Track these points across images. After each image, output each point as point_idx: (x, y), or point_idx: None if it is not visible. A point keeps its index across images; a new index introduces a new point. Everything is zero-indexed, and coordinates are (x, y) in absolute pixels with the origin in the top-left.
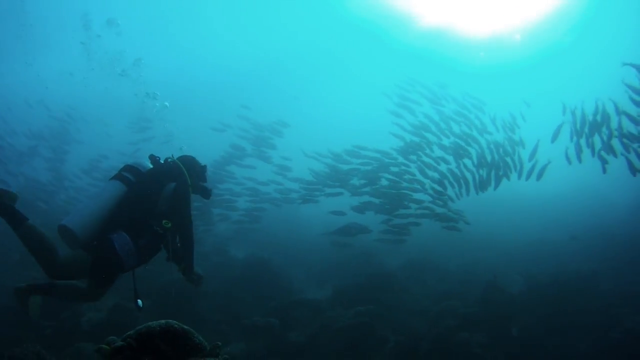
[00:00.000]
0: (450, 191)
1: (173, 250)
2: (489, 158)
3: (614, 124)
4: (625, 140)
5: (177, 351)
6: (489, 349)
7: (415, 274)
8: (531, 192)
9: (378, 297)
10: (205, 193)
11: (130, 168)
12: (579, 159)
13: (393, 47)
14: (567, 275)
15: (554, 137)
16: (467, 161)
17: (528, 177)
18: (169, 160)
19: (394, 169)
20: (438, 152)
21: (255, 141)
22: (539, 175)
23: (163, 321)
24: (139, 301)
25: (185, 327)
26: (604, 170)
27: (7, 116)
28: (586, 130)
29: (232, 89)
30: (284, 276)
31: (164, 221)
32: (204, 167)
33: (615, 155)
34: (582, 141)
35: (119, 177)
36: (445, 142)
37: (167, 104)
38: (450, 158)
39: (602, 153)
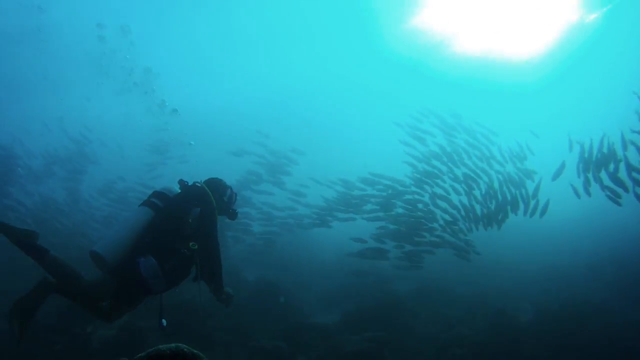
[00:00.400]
0: (461, 223)
1: (202, 271)
2: (497, 190)
3: (620, 154)
4: (634, 174)
5: None
6: None
7: (425, 299)
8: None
9: (387, 323)
10: (231, 215)
11: (158, 194)
12: (588, 193)
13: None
14: (578, 304)
15: (556, 175)
16: (477, 192)
17: (532, 214)
18: (197, 184)
19: (409, 197)
20: (449, 182)
21: (271, 168)
22: (542, 212)
23: (173, 345)
24: (164, 321)
25: (195, 351)
26: (618, 204)
27: (24, 138)
28: (592, 164)
29: (251, 115)
30: (293, 299)
31: (190, 243)
32: (231, 190)
33: (626, 190)
34: (590, 175)
35: (147, 203)
36: (457, 172)
37: (177, 109)
38: (460, 188)
39: (611, 187)
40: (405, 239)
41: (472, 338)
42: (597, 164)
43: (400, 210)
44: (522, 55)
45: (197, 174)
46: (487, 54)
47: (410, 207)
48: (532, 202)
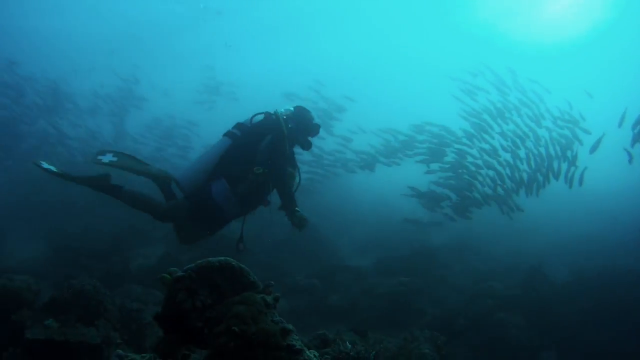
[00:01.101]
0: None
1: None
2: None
3: None
4: None
5: (232, 286)
6: (525, 332)
7: (459, 253)
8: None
9: (420, 271)
10: (305, 145)
11: (239, 124)
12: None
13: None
14: (617, 270)
15: (594, 148)
16: (521, 152)
17: (570, 183)
18: (273, 113)
19: (456, 148)
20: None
21: (322, 114)
22: (580, 181)
23: (222, 257)
24: (241, 245)
25: (242, 265)
26: None
27: (74, 74)
28: None
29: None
30: (329, 242)
31: (255, 168)
32: (312, 121)
33: None
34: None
35: (227, 133)
36: (506, 128)
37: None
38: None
39: None
40: (456, 191)
41: (504, 291)
42: None
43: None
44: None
45: (245, 113)
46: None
47: (459, 158)
48: (571, 170)
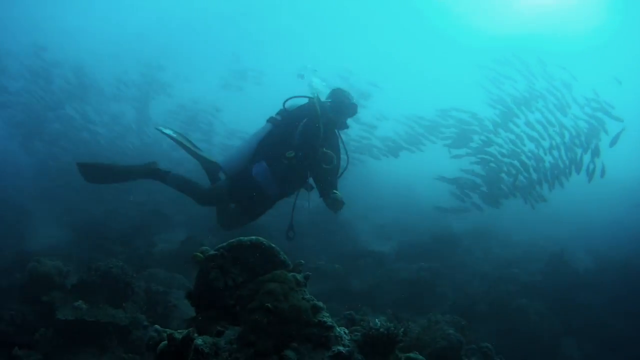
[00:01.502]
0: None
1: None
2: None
3: None
4: None
5: (263, 264)
6: (547, 318)
7: (480, 240)
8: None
9: (441, 256)
10: (340, 126)
11: (281, 110)
12: None
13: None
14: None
15: (614, 141)
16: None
17: (590, 177)
18: (310, 98)
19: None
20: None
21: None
22: (602, 173)
23: (253, 237)
24: (291, 232)
25: (273, 244)
26: None
27: (97, 60)
28: None
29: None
30: (351, 228)
31: (287, 152)
32: (349, 102)
33: None
34: None
35: (270, 119)
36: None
37: None
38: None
39: None
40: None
41: (526, 278)
42: None
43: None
44: None
45: (270, 97)
46: None
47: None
48: (591, 165)
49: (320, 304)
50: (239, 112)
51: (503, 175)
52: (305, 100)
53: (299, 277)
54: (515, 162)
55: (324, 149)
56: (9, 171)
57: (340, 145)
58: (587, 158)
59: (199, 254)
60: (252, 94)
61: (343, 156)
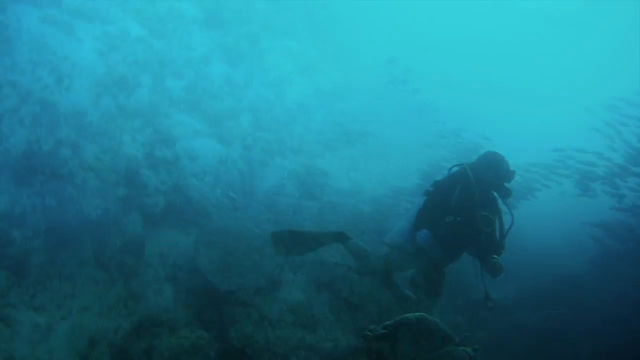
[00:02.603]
0: None
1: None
2: None
3: None
4: None
5: (430, 341)
6: None
7: (602, 277)
8: None
9: (566, 301)
10: (504, 192)
11: (434, 182)
12: None
13: None
14: None
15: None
16: None
17: None
18: (460, 166)
19: None
20: None
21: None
22: None
23: (418, 313)
24: (490, 302)
25: (437, 319)
26: None
27: None
28: None
29: None
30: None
31: (446, 217)
32: (506, 168)
33: None
34: None
35: (425, 192)
36: None
37: None
38: None
39: None
40: None
41: None
42: None
43: None
44: None
45: None
46: None
47: None
48: None
49: None
50: None
51: None
52: (456, 168)
53: (469, 350)
54: None
55: (483, 212)
56: None
57: (503, 207)
58: None
59: (368, 332)
60: None
61: (507, 217)
